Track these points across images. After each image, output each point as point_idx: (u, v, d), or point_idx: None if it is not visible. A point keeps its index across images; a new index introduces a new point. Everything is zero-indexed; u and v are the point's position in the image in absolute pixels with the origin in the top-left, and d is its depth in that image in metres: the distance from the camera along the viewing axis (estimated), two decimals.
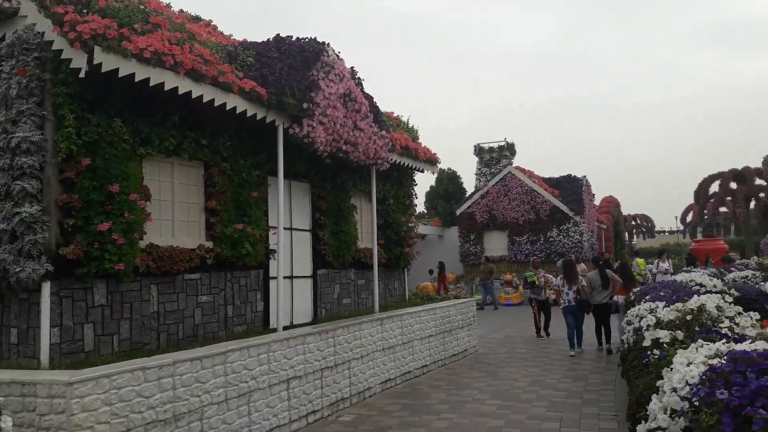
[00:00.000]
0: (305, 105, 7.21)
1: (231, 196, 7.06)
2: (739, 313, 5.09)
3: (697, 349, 3.65)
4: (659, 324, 5.09)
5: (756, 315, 4.97)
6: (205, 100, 6.20)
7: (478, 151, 27.15)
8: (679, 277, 11.91)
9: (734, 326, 4.83)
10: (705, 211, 50.77)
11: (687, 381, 3.33)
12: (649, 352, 4.85)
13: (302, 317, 8.46)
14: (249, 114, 6.76)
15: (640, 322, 6.50)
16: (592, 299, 11.08)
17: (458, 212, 26.58)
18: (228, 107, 6.47)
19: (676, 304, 5.35)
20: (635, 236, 74.68)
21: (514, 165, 26.25)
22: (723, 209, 50.58)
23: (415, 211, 12.70)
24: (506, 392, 7.91)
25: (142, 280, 6.09)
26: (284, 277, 7.65)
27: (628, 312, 7.26)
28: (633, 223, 73.25)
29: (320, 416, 6.72)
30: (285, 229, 7.88)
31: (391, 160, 9.69)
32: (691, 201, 52.37)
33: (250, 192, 7.28)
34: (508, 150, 26.73)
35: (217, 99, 6.33)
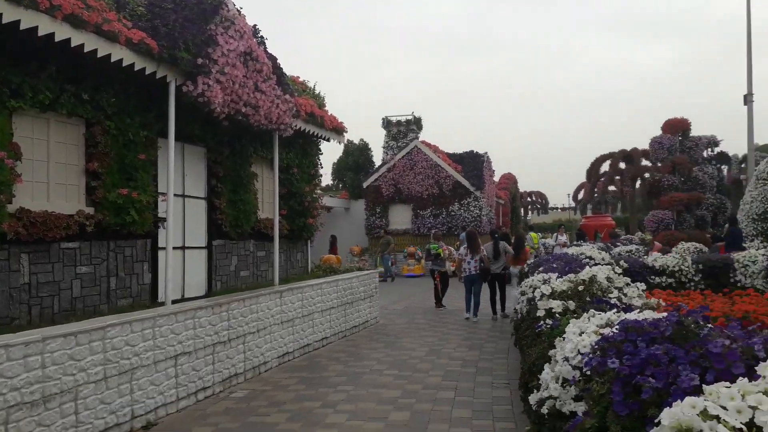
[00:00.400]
0: (200, 61, 6.71)
1: (115, 157, 6.51)
2: (627, 284, 5.28)
3: (589, 318, 3.71)
4: (553, 294, 5.19)
5: (642, 286, 5.18)
6: (86, 50, 5.61)
7: (386, 124, 27.13)
8: (570, 251, 12.47)
9: (622, 296, 5.01)
10: (596, 190, 53.90)
11: (579, 350, 3.36)
12: (542, 322, 4.94)
13: (195, 290, 8.04)
14: (137, 68, 6.20)
15: (533, 292, 6.67)
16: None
17: (365, 185, 26.52)
18: (113, 59, 5.90)
19: (569, 275, 5.48)
20: (530, 212, 78.40)
21: (420, 139, 26.45)
22: (612, 188, 53.89)
23: (321, 181, 12.43)
24: (404, 362, 7.93)
25: (11, 248, 5.50)
26: (174, 248, 7.19)
27: (522, 282, 7.44)
28: (528, 199, 76.78)
29: (211, 393, 6.41)
30: (176, 195, 7.40)
31: (296, 126, 9.34)
32: (583, 179, 55.35)
33: (137, 154, 6.73)
34: (415, 124, 26.88)
35: (100, 49, 5.74)
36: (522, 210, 60.20)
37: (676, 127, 28.04)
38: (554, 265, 7.68)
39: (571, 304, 4.99)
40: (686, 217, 25.55)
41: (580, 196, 66.36)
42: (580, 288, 5.18)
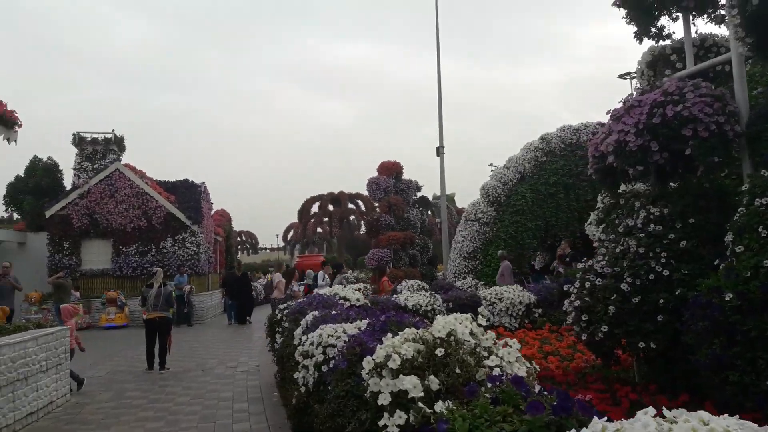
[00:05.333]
0: None
1: None
2: (494, 341, 3.60)
3: None
4: (403, 366, 3.22)
5: (516, 344, 3.54)
6: None
7: (78, 141, 22.39)
8: (322, 291, 10.79)
9: (503, 363, 3.29)
10: (306, 230, 54.72)
11: None
12: (392, 419, 2.94)
13: None
14: None
15: (325, 352, 4.69)
16: None
17: (49, 214, 21.28)
18: None
19: (410, 331, 3.57)
20: (240, 252, 76.75)
21: (123, 162, 22.44)
22: (319, 229, 55.48)
23: None
24: None
25: None
26: None
27: (305, 342, 5.32)
28: (239, 239, 75.09)
29: None
30: None
31: None
32: (290, 220, 55.93)
33: None
34: (116, 144, 22.74)
35: None
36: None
37: (391, 170, 29.09)
38: (352, 313, 5.78)
39: (434, 383, 3.09)
40: (401, 255, 26.33)
41: (290, 236, 66.86)
42: (439, 352, 3.31)
